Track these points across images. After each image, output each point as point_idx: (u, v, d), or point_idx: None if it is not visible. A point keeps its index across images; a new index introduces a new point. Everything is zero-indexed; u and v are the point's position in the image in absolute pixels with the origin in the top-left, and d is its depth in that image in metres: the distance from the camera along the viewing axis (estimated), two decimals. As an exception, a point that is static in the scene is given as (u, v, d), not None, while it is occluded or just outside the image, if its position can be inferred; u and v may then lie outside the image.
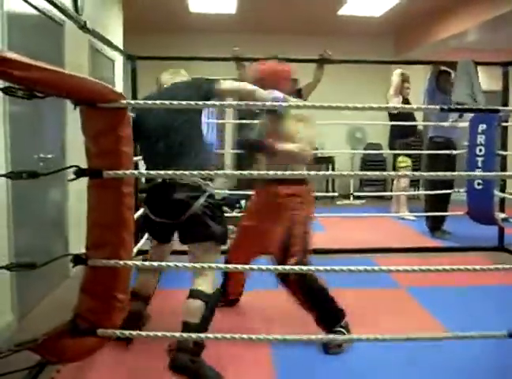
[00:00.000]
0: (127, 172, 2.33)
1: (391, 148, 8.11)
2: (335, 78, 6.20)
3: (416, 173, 2.57)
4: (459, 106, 3.23)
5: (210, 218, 3.20)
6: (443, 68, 6.81)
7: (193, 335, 2.68)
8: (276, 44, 9.91)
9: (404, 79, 8.04)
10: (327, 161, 10.98)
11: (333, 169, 10.94)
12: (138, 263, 2.59)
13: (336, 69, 5.95)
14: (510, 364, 3.27)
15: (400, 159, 8.11)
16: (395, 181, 8.65)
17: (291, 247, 3.50)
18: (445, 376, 3.12)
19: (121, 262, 2.39)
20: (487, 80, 10.61)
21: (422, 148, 8.92)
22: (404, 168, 8.00)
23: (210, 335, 2.54)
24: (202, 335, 2.67)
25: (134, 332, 2.59)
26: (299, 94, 6.02)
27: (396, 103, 7.72)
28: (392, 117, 7.94)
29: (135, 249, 4.59)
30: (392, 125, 8.03)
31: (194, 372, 2.96)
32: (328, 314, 3.47)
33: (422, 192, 9.23)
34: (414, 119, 8.08)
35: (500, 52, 9.69)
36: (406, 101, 8.01)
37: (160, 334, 2.51)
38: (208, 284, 3.17)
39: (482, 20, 8.05)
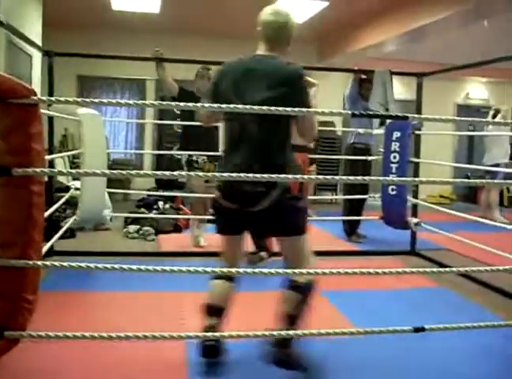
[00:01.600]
0: (37, 170, 2.28)
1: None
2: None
3: (328, 177, 2.60)
4: (370, 113, 3.31)
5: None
6: (364, 76, 6.96)
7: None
8: (199, 46, 9.96)
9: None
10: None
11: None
12: (48, 263, 2.53)
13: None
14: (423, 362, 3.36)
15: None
16: None
17: None
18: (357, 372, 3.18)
19: (30, 262, 2.33)
20: (404, 90, 10.98)
21: (339, 153, 9.08)
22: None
23: (148, 334, 2.51)
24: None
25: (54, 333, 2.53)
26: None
27: None
28: None
29: (45, 248, 4.49)
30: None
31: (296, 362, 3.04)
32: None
33: (340, 197, 9.38)
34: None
35: (416, 63, 10.01)
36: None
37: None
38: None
39: (400, 32, 8.29)
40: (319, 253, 5.94)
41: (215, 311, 3.12)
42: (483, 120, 2.93)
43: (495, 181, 7.70)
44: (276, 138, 2.99)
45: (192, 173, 2.80)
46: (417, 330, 2.77)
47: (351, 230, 7.18)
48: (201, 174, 5.62)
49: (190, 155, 6.09)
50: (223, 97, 2.96)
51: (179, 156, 6.27)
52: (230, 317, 3.20)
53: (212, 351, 3.03)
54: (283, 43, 3.22)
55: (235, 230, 3.22)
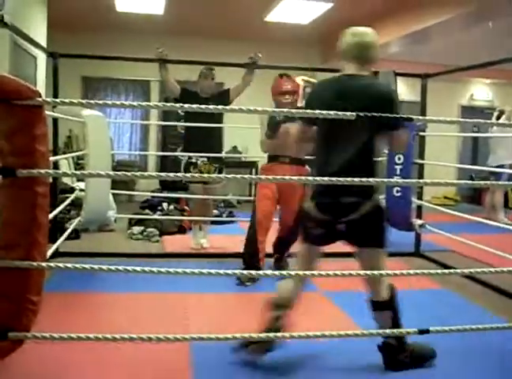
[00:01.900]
0: (42, 171, 2.28)
1: None
2: (261, 83, 6.23)
3: (333, 178, 2.60)
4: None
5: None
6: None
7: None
8: (203, 48, 9.96)
9: (306, 85, 8.22)
10: (250, 165, 11.05)
11: (257, 173, 11.01)
12: (52, 265, 2.53)
13: (261, 74, 5.99)
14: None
15: None
16: None
17: None
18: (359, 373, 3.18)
19: (34, 264, 2.34)
20: (408, 91, 10.97)
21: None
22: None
23: (134, 336, 2.52)
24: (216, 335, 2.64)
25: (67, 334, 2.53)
26: (224, 96, 6.04)
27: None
28: None
29: (50, 250, 4.50)
30: None
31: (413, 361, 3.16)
32: None
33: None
34: None
35: (420, 64, 9.98)
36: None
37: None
38: (384, 289, 3.21)
39: (404, 33, 8.29)
40: (324, 255, 5.98)
41: (279, 306, 3.26)
42: (488, 121, 2.94)
43: (500, 182, 7.69)
44: (368, 156, 3.15)
45: (197, 174, 2.80)
46: (422, 332, 2.77)
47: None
48: (205, 175, 5.65)
49: (189, 158, 6.05)
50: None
51: (182, 158, 6.23)
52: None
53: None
54: (369, 62, 3.30)
55: (320, 242, 3.36)
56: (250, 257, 5.07)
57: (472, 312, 4.38)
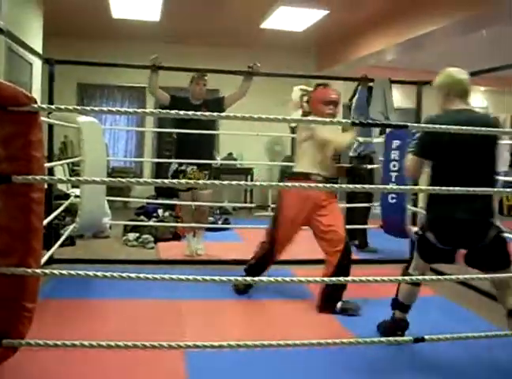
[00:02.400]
0: (37, 178, 2.27)
1: (293, 159, 8.36)
2: (255, 90, 6.23)
3: (336, 185, 2.61)
4: (370, 122, 3.34)
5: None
6: (371, 83, 6.94)
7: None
8: (199, 55, 9.99)
9: (304, 94, 8.29)
10: (246, 172, 11.06)
11: (252, 180, 11.03)
12: (47, 271, 2.52)
13: (257, 81, 5.99)
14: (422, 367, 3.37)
15: None
16: None
17: None
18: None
19: (29, 270, 2.33)
20: (404, 98, 10.99)
21: (338, 162, 9.07)
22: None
23: (121, 344, 2.51)
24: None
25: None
26: (218, 103, 6.03)
27: (296, 116, 7.97)
28: (292, 130, 8.15)
29: (45, 257, 4.49)
30: (294, 139, 8.29)
31: None
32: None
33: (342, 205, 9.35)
34: None
35: (416, 72, 10.01)
36: (308, 115, 8.22)
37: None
38: None
39: (399, 41, 8.31)
40: (320, 262, 5.98)
41: (404, 307, 3.69)
42: (482, 129, 2.96)
43: (494, 189, 7.68)
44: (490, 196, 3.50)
45: (191, 181, 2.80)
46: (417, 340, 2.76)
47: (362, 242, 7.13)
48: (199, 181, 5.65)
49: (179, 165, 6.00)
50: (448, 149, 3.32)
51: (174, 167, 6.15)
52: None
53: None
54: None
55: (441, 261, 3.82)
56: (255, 271, 4.76)
57: (467, 319, 4.38)
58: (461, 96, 3.47)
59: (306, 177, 4.53)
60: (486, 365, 3.46)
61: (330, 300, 4.38)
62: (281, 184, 2.72)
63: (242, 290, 4.79)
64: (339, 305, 4.38)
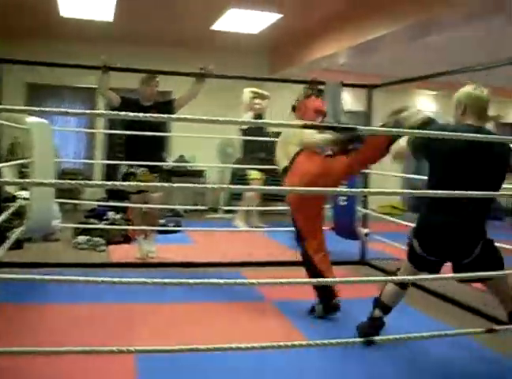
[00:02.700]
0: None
1: (242, 162, 8.52)
2: (207, 92, 6.20)
3: (277, 187, 2.61)
4: (321, 124, 3.38)
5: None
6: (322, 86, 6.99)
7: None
8: (152, 56, 9.91)
9: (255, 96, 8.39)
10: (198, 175, 11.04)
11: (204, 182, 11.00)
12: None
13: (208, 83, 5.96)
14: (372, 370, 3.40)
15: (250, 172, 8.36)
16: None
17: None
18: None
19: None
20: (354, 101, 11.11)
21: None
22: (252, 181, 8.23)
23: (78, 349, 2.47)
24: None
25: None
26: (169, 105, 5.99)
27: (247, 118, 8.04)
28: (243, 132, 8.21)
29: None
30: (244, 141, 8.35)
31: None
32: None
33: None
34: (265, 135, 8.41)
35: (368, 75, 10.15)
36: (258, 117, 8.31)
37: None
38: None
39: (351, 45, 8.41)
40: (271, 264, 6.00)
41: (386, 308, 3.75)
42: (431, 132, 3.02)
43: (438, 191, 7.82)
44: (485, 210, 3.45)
45: (135, 183, 2.77)
46: (368, 342, 2.78)
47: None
48: (149, 184, 5.59)
49: (129, 167, 5.95)
50: (451, 159, 3.39)
51: (124, 169, 6.08)
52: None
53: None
54: None
55: (427, 271, 3.61)
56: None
57: (419, 319, 4.44)
58: (479, 114, 3.48)
59: None
60: (440, 365, 3.53)
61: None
62: (232, 186, 2.70)
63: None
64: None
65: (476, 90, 3.48)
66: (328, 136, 4.39)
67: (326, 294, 4.35)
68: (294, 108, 4.94)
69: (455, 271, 3.52)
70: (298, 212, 4.51)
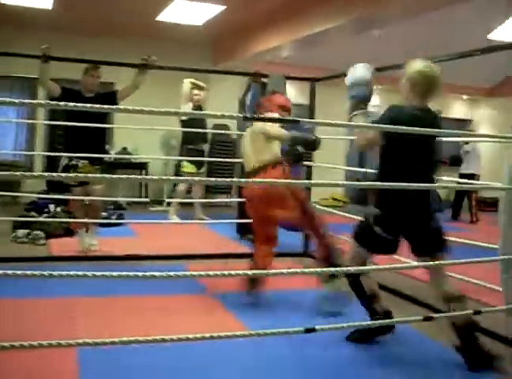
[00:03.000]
0: None
1: (180, 153, 8.44)
2: (150, 84, 6.14)
3: (219, 179, 2.61)
4: (261, 116, 3.41)
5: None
6: (265, 79, 6.99)
7: None
8: (94, 46, 9.76)
9: (194, 87, 8.40)
10: (141, 167, 10.95)
11: (147, 175, 10.92)
12: None
13: (151, 74, 5.90)
14: (310, 356, 3.43)
15: (184, 163, 8.36)
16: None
17: None
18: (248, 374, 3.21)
19: None
20: (298, 94, 11.17)
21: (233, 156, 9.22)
22: (187, 173, 8.18)
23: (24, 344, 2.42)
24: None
25: None
26: (111, 97, 5.92)
27: (186, 109, 8.02)
28: (182, 124, 8.20)
29: None
30: (183, 132, 8.34)
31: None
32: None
33: (234, 199, 9.43)
34: (204, 126, 8.44)
35: (311, 69, 10.21)
36: (198, 108, 8.31)
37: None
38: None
39: (295, 38, 8.45)
40: (214, 256, 6.01)
41: (378, 297, 3.76)
42: (371, 125, 3.09)
43: (377, 183, 7.94)
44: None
45: (81, 174, 2.73)
46: (308, 330, 2.81)
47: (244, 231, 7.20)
48: (89, 175, 5.52)
49: (69, 160, 5.85)
50: (407, 140, 3.41)
51: (64, 161, 5.97)
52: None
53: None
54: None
55: (385, 252, 3.76)
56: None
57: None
58: (425, 93, 3.51)
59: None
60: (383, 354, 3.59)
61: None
62: (173, 178, 2.68)
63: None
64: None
65: (425, 67, 3.47)
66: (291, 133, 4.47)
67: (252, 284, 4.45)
68: (258, 105, 4.99)
69: (413, 247, 3.62)
70: (255, 211, 4.60)
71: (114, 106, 5.48)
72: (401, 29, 7.87)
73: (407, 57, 3.65)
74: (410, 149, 3.46)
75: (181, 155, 8.45)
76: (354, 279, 3.74)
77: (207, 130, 8.31)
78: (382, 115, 3.53)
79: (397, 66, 4.97)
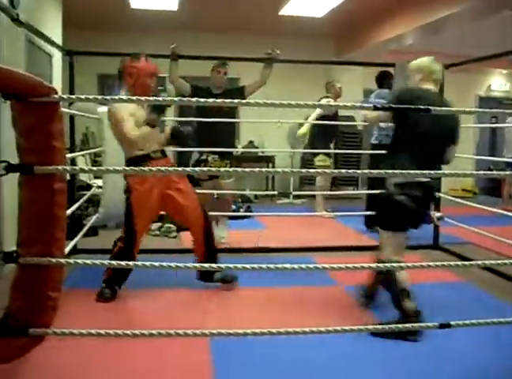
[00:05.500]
0: (59, 168, 2.28)
1: (312, 147, 8.33)
2: (274, 78, 6.18)
3: (351, 170, 2.58)
4: (394, 106, 3.38)
5: None
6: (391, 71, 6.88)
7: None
8: (219, 43, 9.93)
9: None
10: (268, 160, 11.03)
11: (274, 168, 10.99)
12: (71, 261, 2.52)
13: (276, 68, 5.94)
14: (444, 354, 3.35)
15: (318, 157, 8.23)
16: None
17: None
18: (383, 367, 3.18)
19: (53, 260, 2.34)
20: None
21: (359, 148, 9.09)
22: (322, 167, 8.06)
23: (145, 332, 2.51)
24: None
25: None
26: (239, 92, 6.00)
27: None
28: (306, 117, 8.15)
29: (68, 247, 4.53)
30: (313, 125, 8.22)
31: None
32: None
33: (362, 191, 9.34)
34: (337, 120, 8.38)
35: (437, 55, 9.89)
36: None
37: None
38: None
39: (418, 24, 8.21)
40: (342, 248, 5.98)
41: (410, 293, 3.69)
42: (506, 111, 3.00)
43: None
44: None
45: (207, 168, 2.78)
46: (443, 326, 2.73)
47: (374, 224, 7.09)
48: (221, 169, 5.61)
49: (200, 155, 5.99)
50: (416, 120, 3.66)
51: (195, 156, 6.12)
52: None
53: None
54: None
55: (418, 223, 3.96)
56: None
57: (493, 305, 4.35)
58: (435, 81, 3.96)
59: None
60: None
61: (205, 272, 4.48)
62: (301, 170, 2.69)
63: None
64: (218, 275, 4.55)
65: (434, 62, 4.00)
66: None
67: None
68: (120, 74, 4.87)
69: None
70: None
71: (243, 100, 5.54)
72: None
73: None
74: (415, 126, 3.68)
75: (314, 148, 8.30)
76: (389, 275, 3.78)
77: (338, 122, 8.23)
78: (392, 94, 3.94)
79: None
